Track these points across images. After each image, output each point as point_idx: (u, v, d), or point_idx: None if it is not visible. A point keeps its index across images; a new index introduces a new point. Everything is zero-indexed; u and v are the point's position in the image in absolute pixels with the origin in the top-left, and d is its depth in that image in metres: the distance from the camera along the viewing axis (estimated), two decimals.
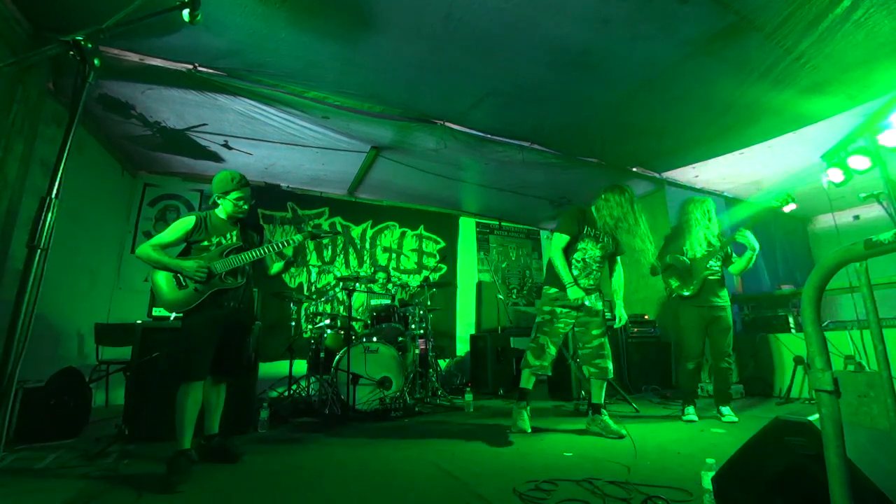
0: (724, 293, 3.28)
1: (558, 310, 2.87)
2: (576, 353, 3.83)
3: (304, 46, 2.84)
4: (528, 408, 2.90)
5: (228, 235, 2.41)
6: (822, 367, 0.95)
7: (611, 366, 2.86)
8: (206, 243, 2.34)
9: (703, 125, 3.91)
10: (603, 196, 2.91)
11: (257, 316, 3.81)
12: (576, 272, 2.89)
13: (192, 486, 1.93)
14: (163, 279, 2.23)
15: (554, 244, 2.93)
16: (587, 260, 2.92)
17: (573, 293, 2.78)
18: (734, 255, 3.34)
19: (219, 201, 2.41)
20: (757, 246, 3.15)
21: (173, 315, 2.91)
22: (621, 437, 2.64)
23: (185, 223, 2.34)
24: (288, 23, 2.63)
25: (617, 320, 2.97)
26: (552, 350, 2.87)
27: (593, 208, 2.96)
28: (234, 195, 2.37)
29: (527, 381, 2.93)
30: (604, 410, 2.83)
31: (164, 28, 2.66)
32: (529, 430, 2.78)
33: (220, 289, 2.30)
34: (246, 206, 2.42)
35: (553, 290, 2.93)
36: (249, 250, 2.38)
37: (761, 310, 4.75)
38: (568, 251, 2.93)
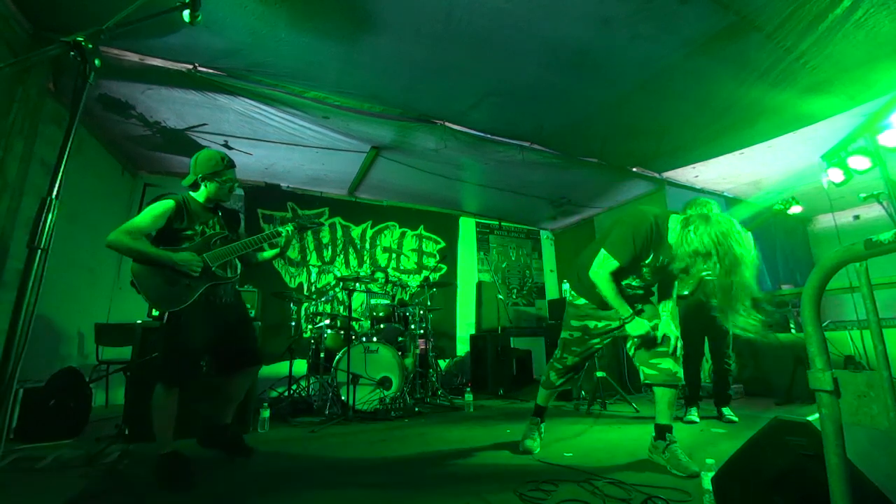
0: None
1: (591, 324, 2.35)
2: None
3: (304, 46, 2.84)
4: (543, 426, 2.52)
5: (210, 223, 2.17)
6: (822, 367, 0.95)
7: (679, 369, 2.18)
8: (189, 232, 2.07)
9: (703, 125, 3.90)
10: (692, 226, 1.89)
11: (257, 316, 3.80)
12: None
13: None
14: (145, 273, 1.93)
15: (603, 267, 2.10)
16: (626, 292, 2.24)
17: (635, 329, 2.12)
18: None
19: (204, 182, 2.13)
20: None
21: None
22: (694, 475, 1.90)
23: (165, 206, 2.00)
24: (288, 23, 2.63)
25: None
26: (580, 364, 2.47)
27: (676, 229, 1.97)
28: (226, 175, 2.16)
29: (545, 399, 2.53)
30: (669, 435, 2.14)
31: (164, 28, 2.66)
32: (537, 451, 2.36)
33: (213, 283, 2.08)
34: (233, 188, 2.23)
35: (582, 300, 2.37)
36: (240, 240, 2.18)
37: (761, 310, 4.74)
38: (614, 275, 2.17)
